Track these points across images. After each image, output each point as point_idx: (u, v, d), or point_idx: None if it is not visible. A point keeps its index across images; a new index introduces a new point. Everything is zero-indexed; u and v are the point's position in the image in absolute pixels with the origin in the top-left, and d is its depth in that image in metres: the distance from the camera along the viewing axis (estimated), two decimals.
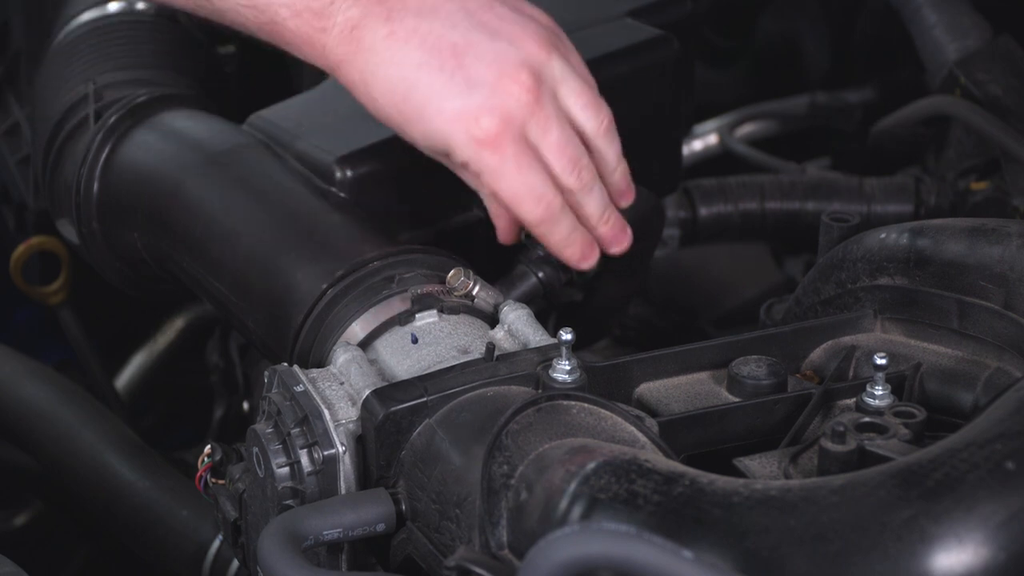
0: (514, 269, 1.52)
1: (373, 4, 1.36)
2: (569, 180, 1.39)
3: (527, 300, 1.47)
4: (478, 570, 1.07)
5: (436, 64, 1.35)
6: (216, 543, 1.66)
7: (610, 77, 1.58)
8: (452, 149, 1.36)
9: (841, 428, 1.11)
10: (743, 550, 0.98)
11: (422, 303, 1.34)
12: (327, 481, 1.23)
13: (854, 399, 1.21)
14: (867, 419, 1.15)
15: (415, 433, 1.21)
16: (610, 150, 1.43)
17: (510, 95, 1.35)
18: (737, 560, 0.98)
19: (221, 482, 1.36)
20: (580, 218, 1.42)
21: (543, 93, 1.36)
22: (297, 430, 1.23)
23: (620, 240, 1.46)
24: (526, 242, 1.50)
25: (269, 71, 2.02)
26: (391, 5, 1.36)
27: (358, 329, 1.35)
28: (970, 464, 1.00)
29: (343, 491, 1.23)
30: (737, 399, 1.25)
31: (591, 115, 1.40)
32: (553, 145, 1.37)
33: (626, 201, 1.47)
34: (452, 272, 1.37)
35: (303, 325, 1.39)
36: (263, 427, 1.26)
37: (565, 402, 1.17)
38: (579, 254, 1.43)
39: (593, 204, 1.42)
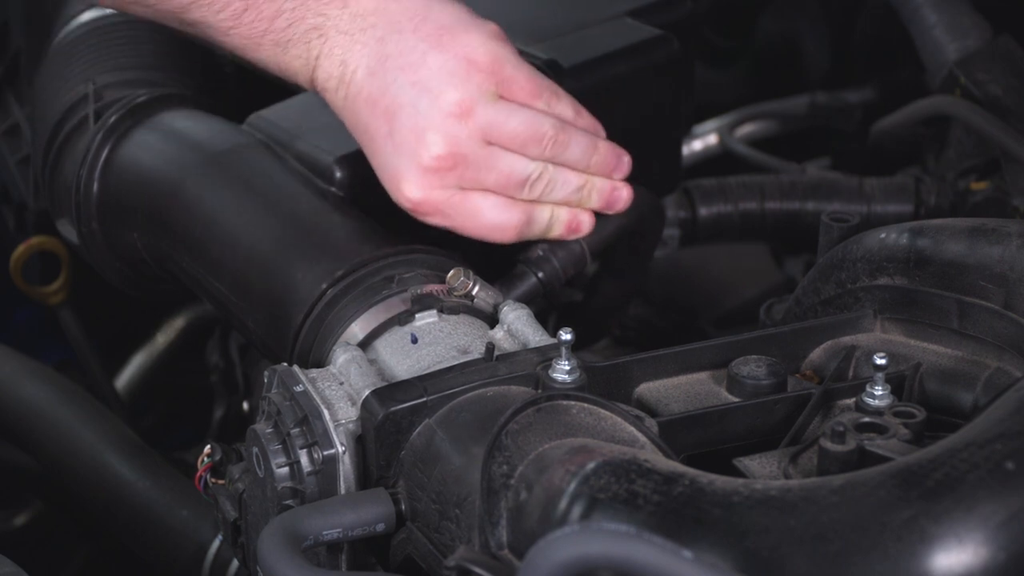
0: (514, 269, 1.52)
1: (335, 67, 1.40)
2: (535, 170, 1.41)
3: (527, 300, 1.47)
4: (478, 570, 1.07)
5: (374, 129, 1.39)
6: (216, 543, 1.66)
7: (610, 77, 1.58)
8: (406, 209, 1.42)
9: (841, 428, 1.11)
10: (743, 550, 0.98)
11: (422, 303, 1.34)
12: (327, 481, 1.23)
13: (854, 399, 1.21)
14: (867, 419, 1.15)
15: (415, 433, 1.21)
16: (581, 137, 1.44)
17: (427, 167, 1.38)
18: (737, 560, 0.98)
19: (221, 482, 1.36)
20: (568, 166, 1.43)
21: (461, 150, 1.38)
22: (297, 430, 1.23)
23: (619, 167, 1.47)
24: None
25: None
26: (347, 71, 1.39)
27: (358, 329, 1.35)
28: (970, 464, 1.00)
29: (343, 491, 1.23)
30: (737, 399, 1.25)
31: (532, 95, 1.41)
32: (492, 183, 1.40)
33: (620, 174, 1.48)
34: (452, 272, 1.37)
35: (303, 325, 1.39)
36: (263, 427, 1.26)
37: (565, 402, 1.17)
38: (565, 229, 1.46)
39: (573, 157, 1.43)
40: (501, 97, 1.39)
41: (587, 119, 1.46)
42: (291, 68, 1.42)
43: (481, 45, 1.37)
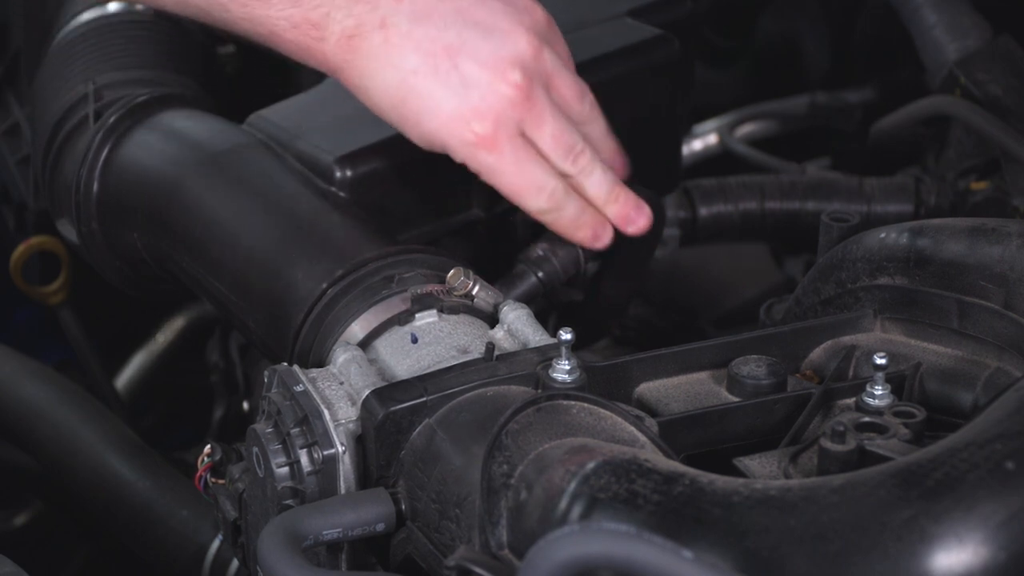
0: (514, 269, 1.52)
1: (367, 12, 1.38)
2: (567, 167, 1.42)
3: (527, 300, 1.47)
4: (478, 570, 1.07)
5: (431, 67, 1.38)
6: (216, 543, 1.66)
7: (610, 77, 1.58)
8: (449, 150, 1.40)
9: (841, 428, 1.11)
10: (743, 550, 0.98)
11: (422, 303, 1.34)
12: (327, 481, 1.23)
13: (854, 399, 1.21)
14: (867, 419, 1.15)
15: (415, 433, 1.21)
16: (596, 127, 1.46)
17: (503, 95, 1.37)
18: (737, 560, 0.98)
19: (221, 482, 1.36)
20: (587, 200, 1.45)
21: (535, 89, 1.39)
22: (297, 430, 1.23)
23: (635, 219, 1.47)
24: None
25: (269, 71, 2.02)
26: (385, 12, 1.38)
27: (358, 329, 1.35)
28: (970, 464, 1.00)
29: (343, 491, 1.23)
30: (737, 399, 1.25)
31: (576, 100, 1.44)
32: (547, 137, 1.40)
33: (617, 174, 1.48)
34: (452, 272, 1.37)
35: (303, 325, 1.39)
36: (263, 427, 1.26)
37: (565, 402, 1.17)
38: (591, 235, 1.46)
39: (595, 185, 1.44)
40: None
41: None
42: (309, 19, 1.41)
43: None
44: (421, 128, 1.40)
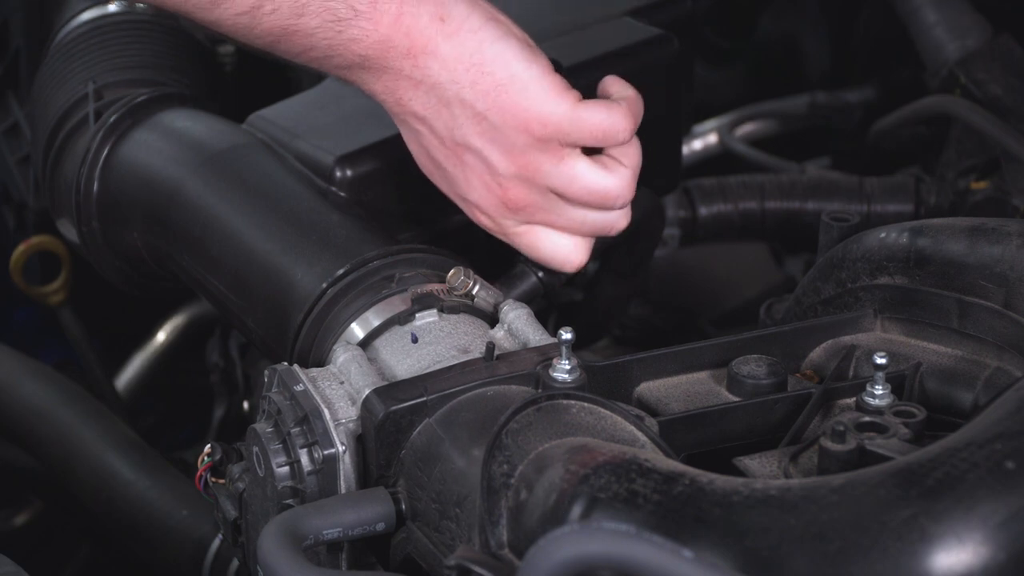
0: (514, 268, 1.52)
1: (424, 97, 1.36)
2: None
3: (527, 299, 1.47)
4: (478, 569, 1.07)
5: (444, 158, 1.38)
6: (216, 542, 1.66)
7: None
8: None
9: (841, 427, 1.11)
10: (743, 549, 0.98)
11: (422, 302, 1.34)
12: (327, 480, 1.23)
13: (854, 398, 1.21)
14: (867, 418, 1.15)
15: (415, 432, 1.21)
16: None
17: (500, 209, 1.39)
18: (737, 559, 0.98)
19: (221, 481, 1.36)
20: None
21: (535, 197, 1.37)
22: (297, 429, 1.23)
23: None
24: None
25: (269, 71, 2.02)
26: (403, 103, 1.36)
27: (358, 328, 1.35)
28: (970, 463, 1.00)
29: (343, 490, 1.23)
30: (737, 398, 1.25)
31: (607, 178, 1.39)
32: (564, 226, 1.41)
33: None
34: (452, 271, 1.37)
35: (303, 324, 1.39)
36: (263, 426, 1.26)
37: (565, 401, 1.17)
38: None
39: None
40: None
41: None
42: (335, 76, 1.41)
43: (535, 113, 1.34)
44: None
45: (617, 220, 1.41)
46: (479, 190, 1.38)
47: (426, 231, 1.54)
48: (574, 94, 1.35)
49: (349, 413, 1.24)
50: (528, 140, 1.34)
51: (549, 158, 1.35)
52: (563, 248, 1.42)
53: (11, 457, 1.97)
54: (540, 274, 1.51)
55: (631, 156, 1.39)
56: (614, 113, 1.36)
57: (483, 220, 1.41)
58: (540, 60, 1.35)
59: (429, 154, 1.39)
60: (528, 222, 1.40)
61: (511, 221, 1.40)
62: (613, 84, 1.42)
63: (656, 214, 1.65)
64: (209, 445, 1.37)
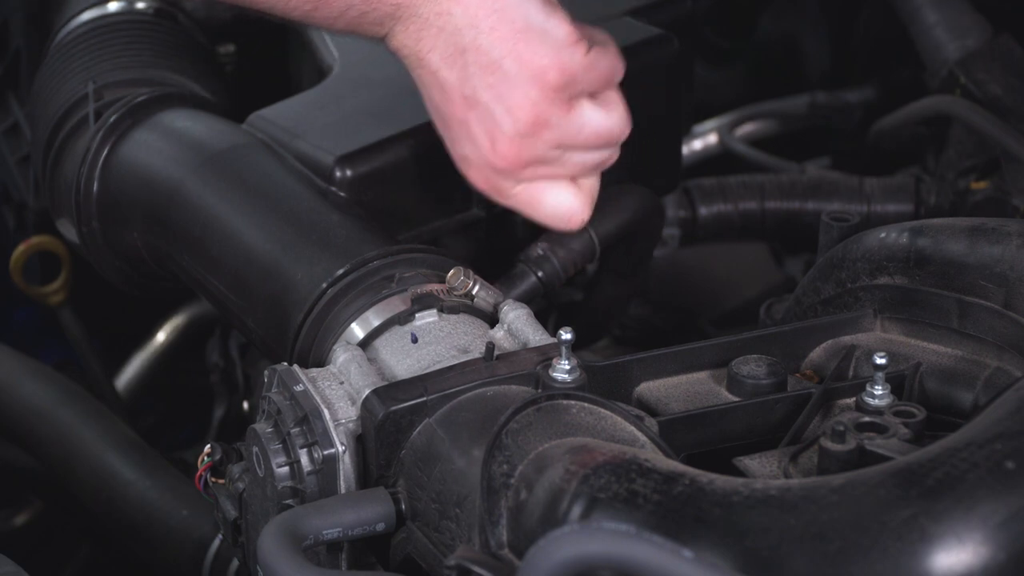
0: (514, 268, 1.52)
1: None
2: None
3: (527, 299, 1.47)
4: (478, 569, 1.07)
5: (452, 113, 1.37)
6: (216, 542, 1.66)
7: None
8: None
9: (841, 427, 1.11)
10: (743, 549, 0.98)
11: (422, 302, 1.34)
12: (327, 480, 1.23)
13: (854, 399, 1.21)
14: (867, 418, 1.15)
15: (415, 432, 1.21)
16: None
17: (502, 167, 1.38)
18: (737, 559, 0.98)
19: (221, 481, 1.36)
20: None
21: (539, 152, 1.37)
22: (297, 429, 1.23)
23: None
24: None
25: (269, 71, 2.02)
26: (422, 51, 1.36)
27: (358, 328, 1.35)
28: (970, 463, 1.00)
29: (343, 490, 1.23)
30: (737, 398, 1.25)
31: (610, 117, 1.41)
32: (567, 174, 1.41)
33: None
34: (452, 271, 1.37)
35: (303, 324, 1.39)
36: (263, 426, 1.26)
37: (565, 401, 1.17)
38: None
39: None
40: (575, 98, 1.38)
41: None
42: (366, 35, 1.40)
43: (553, 61, 1.35)
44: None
45: (613, 154, 1.42)
46: (480, 149, 1.37)
47: (426, 231, 1.54)
48: (586, 43, 1.37)
49: (349, 413, 1.24)
50: (540, 93, 1.34)
51: (558, 110, 1.35)
52: (565, 204, 1.41)
53: (11, 457, 1.97)
54: (540, 274, 1.51)
55: (616, 91, 1.41)
56: (612, 55, 1.39)
57: (479, 181, 1.39)
58: (558, 11, 1.36)
59: (439, 111, 1.38)
60: (528, 179, 1.39)
61: (510, 182, 1.39)
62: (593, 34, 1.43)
63: (656, 214, 1.65)
64: (209, 445, 1.37)
